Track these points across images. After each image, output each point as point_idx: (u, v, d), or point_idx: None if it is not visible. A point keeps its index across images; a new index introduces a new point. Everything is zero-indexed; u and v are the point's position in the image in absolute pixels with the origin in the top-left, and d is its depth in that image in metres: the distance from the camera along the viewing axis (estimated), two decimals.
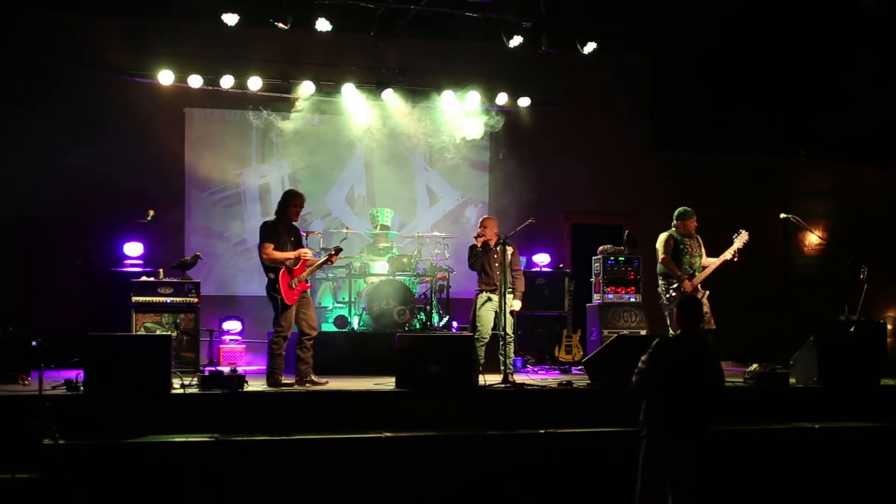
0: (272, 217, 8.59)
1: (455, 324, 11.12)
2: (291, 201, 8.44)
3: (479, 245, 9.36)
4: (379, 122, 12.18)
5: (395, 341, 8.29)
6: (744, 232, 9.40)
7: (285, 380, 8.16)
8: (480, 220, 9.61)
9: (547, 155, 12.52)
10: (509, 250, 9.16)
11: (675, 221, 9.48)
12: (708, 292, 9.35)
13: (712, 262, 9.35)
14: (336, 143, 12.24)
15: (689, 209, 9.50)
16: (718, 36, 12.05)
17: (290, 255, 8.24)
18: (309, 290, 8.62)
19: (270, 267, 8.23)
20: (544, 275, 11.66)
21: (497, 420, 7.66)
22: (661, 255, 9.43)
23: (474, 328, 9.30)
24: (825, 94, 12.77)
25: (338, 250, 8.83)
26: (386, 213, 11.27)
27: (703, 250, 9.52)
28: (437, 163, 12.62)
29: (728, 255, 9.31)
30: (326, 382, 8.23)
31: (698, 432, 5.84)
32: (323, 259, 8.79)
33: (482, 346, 9.16)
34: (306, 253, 8.39)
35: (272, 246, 8.21)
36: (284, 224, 8.41)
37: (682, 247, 9.40)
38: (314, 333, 8.40)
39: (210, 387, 7.50)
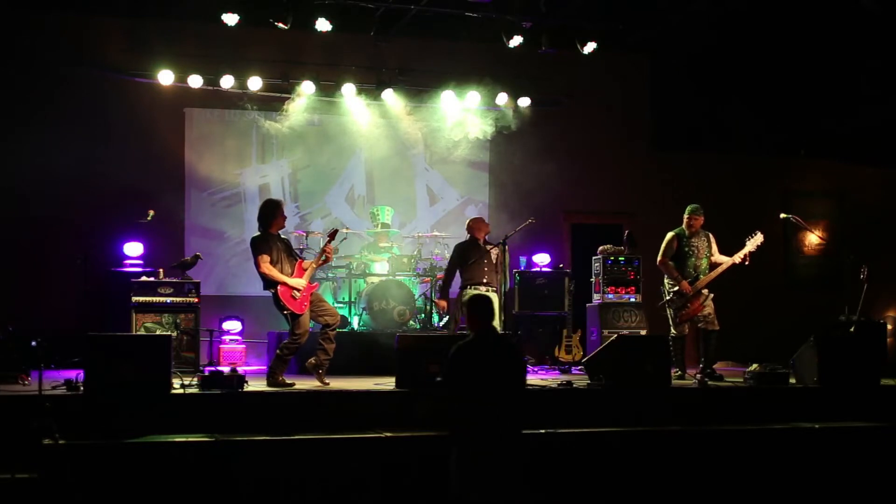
0: (257, 232, 8.40)
1: None
2: (276, 211, 8.37)
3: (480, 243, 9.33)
4: (379, 122, 12.18)
5: (395, 341, 8.29)
6: (759, 234, 9.31)
7: (285, 380, 8.16)
8: (476, 219, 9.64)
9: (547, 155, 12.51)
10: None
11: (684, 218, 9.48)
12: (712, 294, 9.34)
13: (722, 263, 9.29)
14: (336, 143, 12.25)
15: (697, 206, 9.47)
16: (718, 36, 12.04)
17: (290, 281, 8.14)
18: (318, 287, 8.64)
19: (269, 281, 8.19)
20: (544, 275, 11.65)
21: None
22: (658, 258, 9.44)
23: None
24: (825, 94, 12.76)
25: (332, 234, 8.65)
26: (387, 212, 11.28)
27: (713, 249, 9.45)
28: (437, 163, 12.63)
29: (737, 258, 9.25)
30: (328, 384, 8.24)
31: (509, 438, 5.54)
32: (318, 257, 8.54)
33: None
34: (301, 283, 8.22)
35: (268, 258, 8.16)
36: (273, 235, 8.35)
37: (686, 248, 9.38)
38: (337, 321, 8.48)
39: (210, 387, 7.50)
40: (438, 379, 5.80)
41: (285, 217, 8.55)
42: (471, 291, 9.40)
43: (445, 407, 5.64)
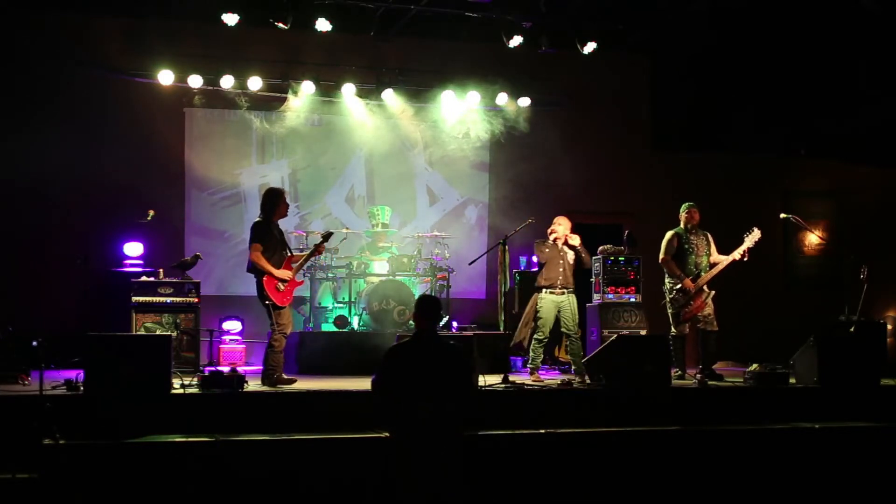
0: (259, 218, 8.43)
1: (455, 324, 11.11)
2: (279, 200, 8.39)
3: (551, 241, 9.26)
4: (379, 122, 12.18)
5: (395, 341, 8.28)
6: (756, 230, 9.36)
7: (284, 376, 8.16)
8: (557, 218, 9.49)
9: (547, 155, 12.51)
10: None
11: (682, 215, 9.51)
12: (713, 293, 9.35)
13: (721, 261, 9.34)
14: (336, 143, 12.25)
15: (691, 202, 9.56)
16: (718, 36, 12.04)
17: (277, 272, 8.15)
18: (302, 284, 8.68)
19: (257, 270, 8.18)
20: None
21: (497, 420, 7.65)
22: (661, 256, 9.48)
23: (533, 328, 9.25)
24: (825, 94, 12.76)
25: (325, 237, 8.79)
26: (385, 212, 11.28)
27: (711, 248, 9.51)
28: (437, 163, 12.63)
29: (737, 254, 9.30)
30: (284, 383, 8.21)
31: (448, 439, 5.51)
32: (310, 251, 8.73)
33: (541, 345, 9.17)
34: (288, 274, 8.27)
35: (261, 247, 8.18)
36: (274, 223, 8.38)
37: (686, 246, 9.43)
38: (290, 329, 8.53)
39: (210, 387, 7.51)
40: (372, 378, 5.79)
41: (288, 206, 8.56)
42: (545, 296, 9.26)
43: (379, 407, 5.68)
